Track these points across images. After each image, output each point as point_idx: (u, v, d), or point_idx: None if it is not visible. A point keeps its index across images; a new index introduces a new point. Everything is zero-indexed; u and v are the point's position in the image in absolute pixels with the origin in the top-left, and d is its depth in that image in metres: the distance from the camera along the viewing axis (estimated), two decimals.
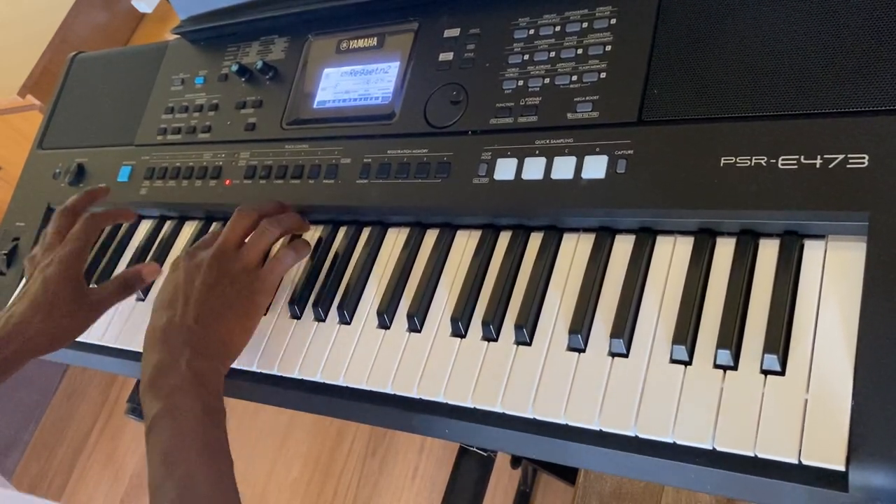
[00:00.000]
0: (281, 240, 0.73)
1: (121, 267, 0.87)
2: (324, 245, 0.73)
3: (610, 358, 0.55)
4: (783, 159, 0.53)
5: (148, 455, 0.58)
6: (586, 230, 0.62)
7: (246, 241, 0.70)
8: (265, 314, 0.71)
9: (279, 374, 0.68)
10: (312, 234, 0.75)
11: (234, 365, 0.67)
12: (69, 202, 0.81)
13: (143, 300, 0.82)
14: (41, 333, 0.72)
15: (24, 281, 0.79)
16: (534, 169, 0.63)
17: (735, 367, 0.50)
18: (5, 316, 0.73)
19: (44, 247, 0.78)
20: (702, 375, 0.51)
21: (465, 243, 0.67)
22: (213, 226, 0.83)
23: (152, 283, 0.81)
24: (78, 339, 0.82)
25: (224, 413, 0.61)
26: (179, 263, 0.69)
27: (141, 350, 0.77)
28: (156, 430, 0.58)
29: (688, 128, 0.57)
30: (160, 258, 0.83)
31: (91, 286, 0.78)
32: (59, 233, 0.78)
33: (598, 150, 0.60)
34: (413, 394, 0.61)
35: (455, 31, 0.73)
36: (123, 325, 0.80)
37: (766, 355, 0.49)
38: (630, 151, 0.59)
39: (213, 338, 0.64)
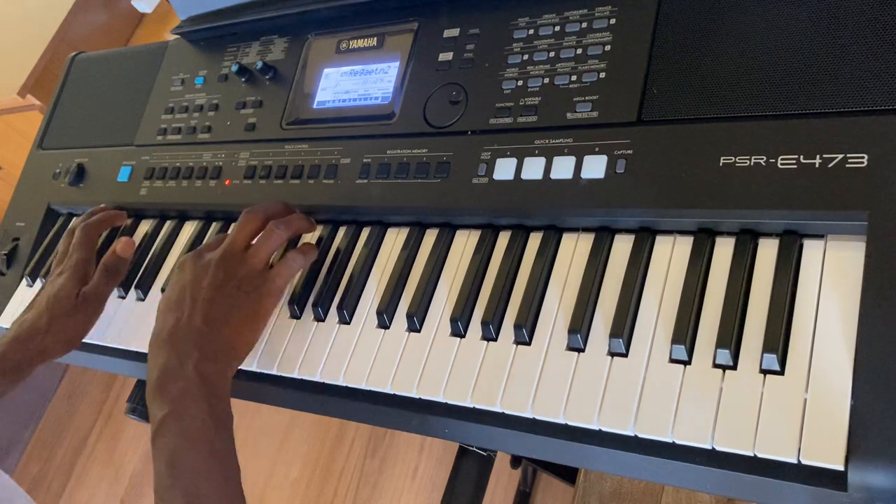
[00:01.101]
0: (287, 243, 0.73)
1: None
2: (323, 245, 0.73)
3: (609, 357, 0.55)
4: (782, 159, 0.53)
5: (154, 459, 0.58)
6: (586, 230, 0.62)
7: (253, 242, 0.69)
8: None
9: (279, 374, 0.68)
10: (312, 234, 0.75)
11: None
12: (73, 223, 0.84)
13: (142, 300, 0.82)
14: (49, 336, 0.75)
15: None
16: (533, 169, 0.63)
17: (734, 367, 0.51)
18: (17, 322, 0.77)
19: (54, 264, 0.82)
20: (701, 375, 0.51)
21: (464, 243, 0.67)
22: (214, 226, 0.83)
23: (130, 262, 0.81)
24: None
25: (231, 417, 0.61)
26: (186, 264, 0.68)
27: (141, 350, 0.78)
28: (162, 435, 0.58)
29: (687, 127, 0.57)
30: (160, 258, 0.83)
31: None
32: (65, 249, 0.82)
33: (597, 149, 0.60)
34: (413, 393, 0.61)
35: (454, 31, 0.73)
36: (123, 325, 0.81)
37: (765, 355, 0.49)
38: (629, 151, 0.59)
39: (220, 340, 0.64)
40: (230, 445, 0.59)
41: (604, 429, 0.53)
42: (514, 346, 0.59)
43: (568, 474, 1.23)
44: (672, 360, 0.53)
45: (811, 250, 0.53)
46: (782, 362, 0.49)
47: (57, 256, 0.83)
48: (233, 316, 0.65)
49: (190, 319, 0.64)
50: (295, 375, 0.67)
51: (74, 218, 0.86)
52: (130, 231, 0.89)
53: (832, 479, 0.45)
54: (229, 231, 0.72)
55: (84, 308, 0.77)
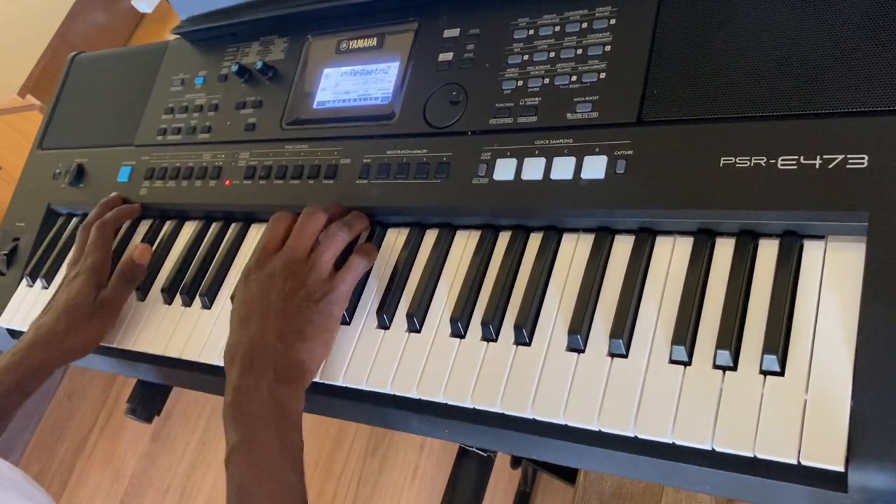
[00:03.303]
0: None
1: None
2: None
3: (609, 358, 0.55)
4: (782, 159, 0.53)
5: (227, 484, 0.58)
6: (586, 230, 0.62)
7: (316, 246, 0.66)
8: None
9: None
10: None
11: None
12: (88, 218, 0.84)
13: (142, 300, 0.82)
14: (67, 340, 0.75)
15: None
16: (533, 169, 0.63)
17: (734, 368, 0.50)
18: (35, 325, 0.77)
19: (70, 263, 0.82)
20: (701, 376, 0.51)
21: (464, 243, 0.67)
22: (213, 226, 0.82)
23: (147, 269, 0.81)
24: None
25: (301, 447, 0.60)
26: (251, 276, 0.66)
27: (140, 350, 0.78)
28: (234, 462, 0.58)
29: (687, 128, 0.57)
30: (160, 258, 0.83)
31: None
32: (81, 247, 0.82)
33: (597, 150, 0.60)
34: (413, 394, 0.61)
35: (455, 32, 0.73)
36: (124, 325, 0.80)
37: (765, 356, 0.49)
38: (629, 152, 0.59)
39: (295, 358, 0.62)
40: (299, 478, 0.58)
41: (604, 429, 0.53)
42: (514, 346, 0.59)
43: (568, 474, 1.23)
44: (672, 361, 0.53)
45: (811, 251, 0.53)
46: (782, 363, 0.49)
47: (72, 256, 0.82)
48: (306, 330, 0.62)
49: (263, 336, 0.62)
50: None
51: (91, 212, 0.85)
52: (130, 231, 0.89)
53: (832, 481, 0.45)
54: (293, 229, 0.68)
55: (101, 313, 0.77)
